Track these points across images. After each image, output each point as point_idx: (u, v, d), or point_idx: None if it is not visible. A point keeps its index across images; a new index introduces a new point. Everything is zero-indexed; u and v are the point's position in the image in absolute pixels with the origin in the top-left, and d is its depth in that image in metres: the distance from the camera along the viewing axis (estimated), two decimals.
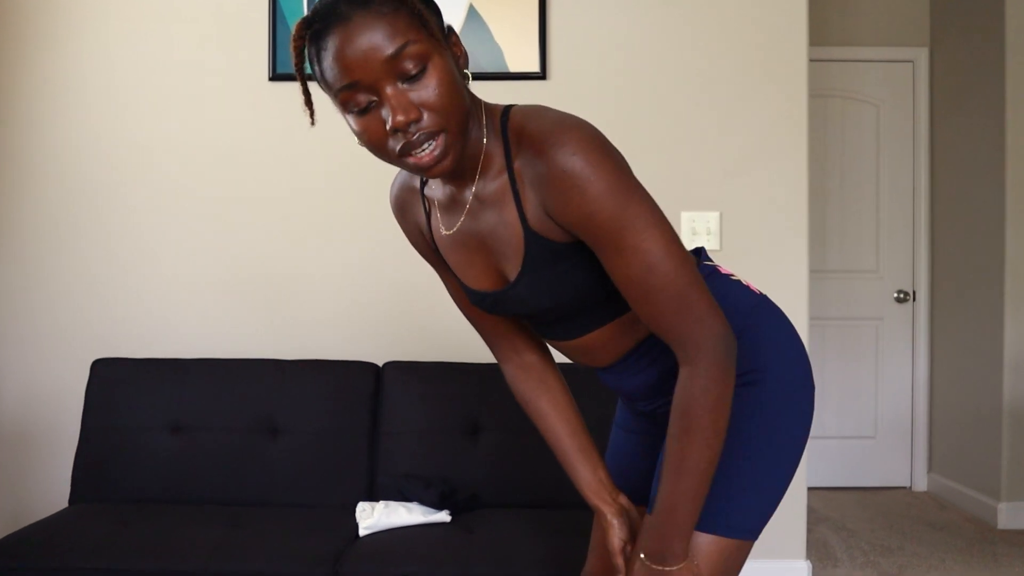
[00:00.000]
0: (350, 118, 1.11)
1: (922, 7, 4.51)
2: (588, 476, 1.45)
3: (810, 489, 4.40)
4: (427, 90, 1.07)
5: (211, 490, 2.59)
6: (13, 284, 3.02)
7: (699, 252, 1.42)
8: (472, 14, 2.98)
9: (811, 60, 4.32)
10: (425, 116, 1.07)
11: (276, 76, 2.99)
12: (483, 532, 2.28)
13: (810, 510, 4.00)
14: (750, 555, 2.98)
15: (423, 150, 1.09)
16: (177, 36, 3.02)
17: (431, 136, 1.08)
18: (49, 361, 3.01)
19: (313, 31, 1.08)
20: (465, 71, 1.15)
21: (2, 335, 3.02)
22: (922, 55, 4.50)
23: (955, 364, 4.25)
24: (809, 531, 3.64)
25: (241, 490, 2.59)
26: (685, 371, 1.18)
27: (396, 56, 1.04)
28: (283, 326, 3.00)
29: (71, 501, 2.63)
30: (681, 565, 1.22)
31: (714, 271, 1.38)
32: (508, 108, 1.21)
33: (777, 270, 3.00)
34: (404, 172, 1.38)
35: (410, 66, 1.06)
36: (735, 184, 3.00)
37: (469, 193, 1.24)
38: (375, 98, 1.07)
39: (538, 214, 1.17)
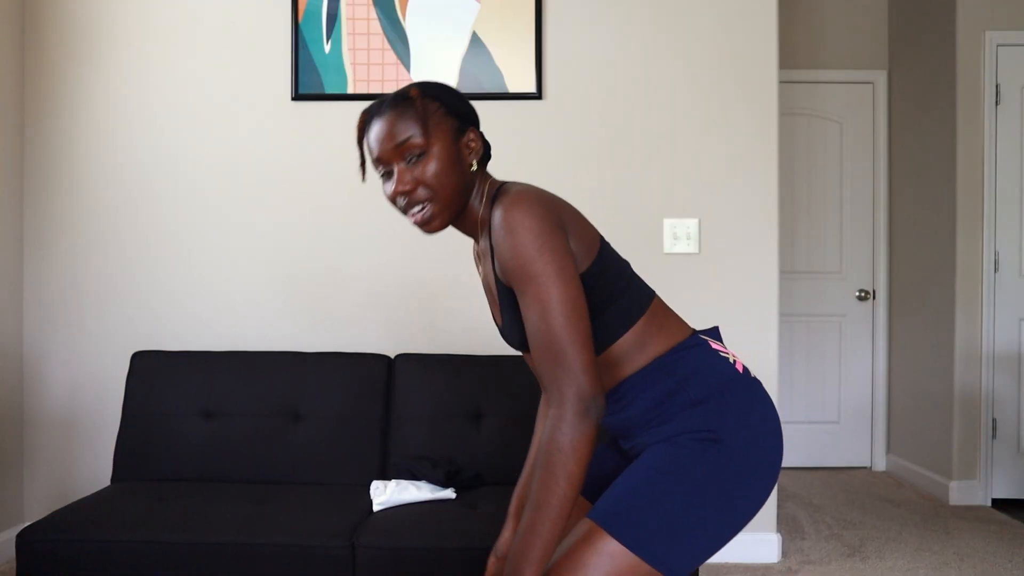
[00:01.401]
0: (382, 181, 1.37)
1: (881, 34, 4.51)
2: (506, 536, 1.57)
3: (780, 468, 4.39)
4: (421, 170, 1.31)
5: (239, 470, 2.59)
6: (62, 284, 3.02)
7: (713, 331, 1.43)
8: (475, 40, 2.97)
9: (781, 82, 4.33)
10: (419, 189, 1.32)
11: (298, 96, 2.99)
12: (485, 508, 2.27)
13: (780, 488, 4.00)
14: None
15: (415, 212, 1.34)
16: (208, 58, 3.02)
17: (421, 203, 1.33)
18: (93, 354, 3.01)
19: (367, 118, 1.37)
20: (472, 161, 1.35)
21: (51, 330, 3.02)
22: (881, 77, 4.50)
23: (911, 356, 4.24)
24: (779, 507, 3.64)
25: (266, 470, 2.59)
26: (552, 414, 1.21)
27: (401, 145, 1.31)
28: (305, 322, 3.00)
29: (113, 480, 2.63)
30: None
31: (703, 344, 1.38)
32: (503, 184, 1.38)
33: (750, 271, 3.00)
34: None
35: (411, 152, 1.31)
36: (712, 193, 3.00)
37: (479, 249, 1.42)
38: (391, 170, 1.34)
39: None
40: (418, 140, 1.31)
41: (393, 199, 1.34)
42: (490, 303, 1.47)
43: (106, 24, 3.02)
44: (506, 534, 1.56)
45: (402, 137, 1.31)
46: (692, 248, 2.99)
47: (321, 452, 2.60)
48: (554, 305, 1.21)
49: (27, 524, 2.69)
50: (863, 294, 4.50)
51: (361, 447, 2.60)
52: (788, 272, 4.47)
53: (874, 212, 4.52)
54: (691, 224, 2.99)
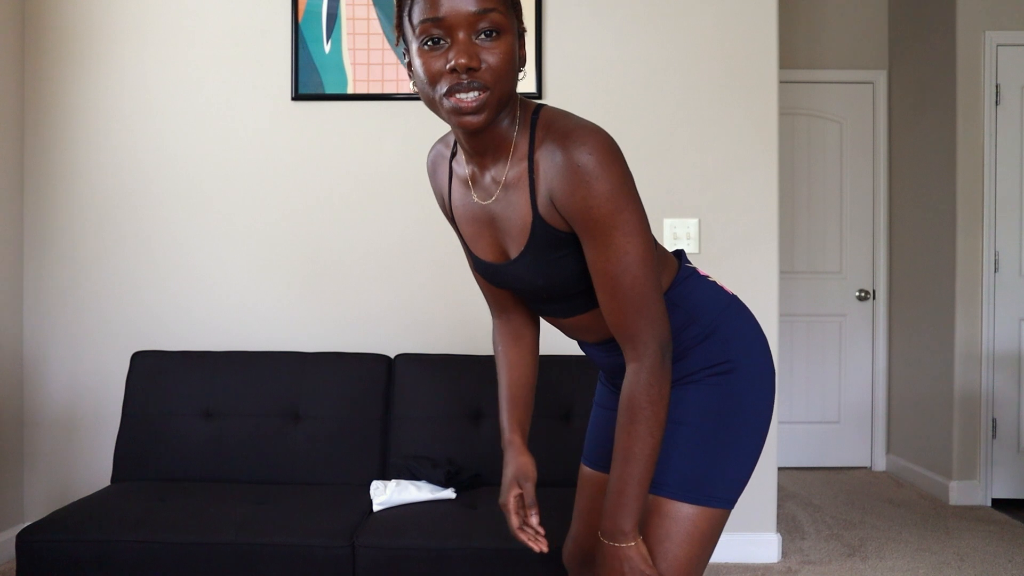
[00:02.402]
0: (416, 54, 1.14)
1: (881, 34, 4.51)
2: (506, 428, 1.46)
3: (780, 469, 4.40)
4: (492, 52, 1.11)
5: (239, 470, 2.59)
6: (61, 284, 3.02)
7: (680, 254, 1.43)
8: None
9: (781, 82, 4.33)
10: (483, 69, 1.11)
11: (298, 96, 2.99)
12: (484, 507, 2.27)
13: (780, 488, 4.00)
14: (726, 528, 2.99)
15: (468, 96, 1.11)
16: (208, 58, 3.02)
17: (479, 89, 1.11)
18: (93, 353, 3.01)
19: None
20: (522, 69, 1.18)
21: (52, 329, 3.02)
22: (881, 77, 4.49)
23: (911, 356, 4.24)
24: (779, 507, 3.64)
25: (266, 470, 2.59)
26: (632, 367, 1.21)
27: (480, 14, 1.09)
28: (305, 322, 3.00)
29: (113, 480, 2.63)
30: (632, 544, 1.22)
31: (694, 272, 1.39)
32: (540, 106, 1.23)
33: (750, 271, 3.00)
34: (442, 141, 1.39)
35: (487, 27, 1.10)
36: (713, 193, 3.00)
37: (489, 174, 1.25)
38: (448, 40, 1.11)
39: (546, 202, 1.18)
40: (500, 18, 1.11)
41: (437, 74, 1.12)
42: (472, 236, 1.33)
43: (106, 24, 3.02)
44: (520, 459, 1.42)
45: (485, 6, 1.09)
46: (692, 248, 2.99)
47: (321, 452, 2.60)
48: (641, 255, 1.16)
49: (27, 524, 2.69)
50: (863, 294, 4.50)
51: (361, 447, 2.60)
52: (788, 272, 4.47)
53: (874, 212, 4.52)
54: (691, 224, 2.99)
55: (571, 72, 3.00)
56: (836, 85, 4.50)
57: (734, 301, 1.38)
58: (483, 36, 1.11)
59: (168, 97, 3.02)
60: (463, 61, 1.09)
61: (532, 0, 2.96)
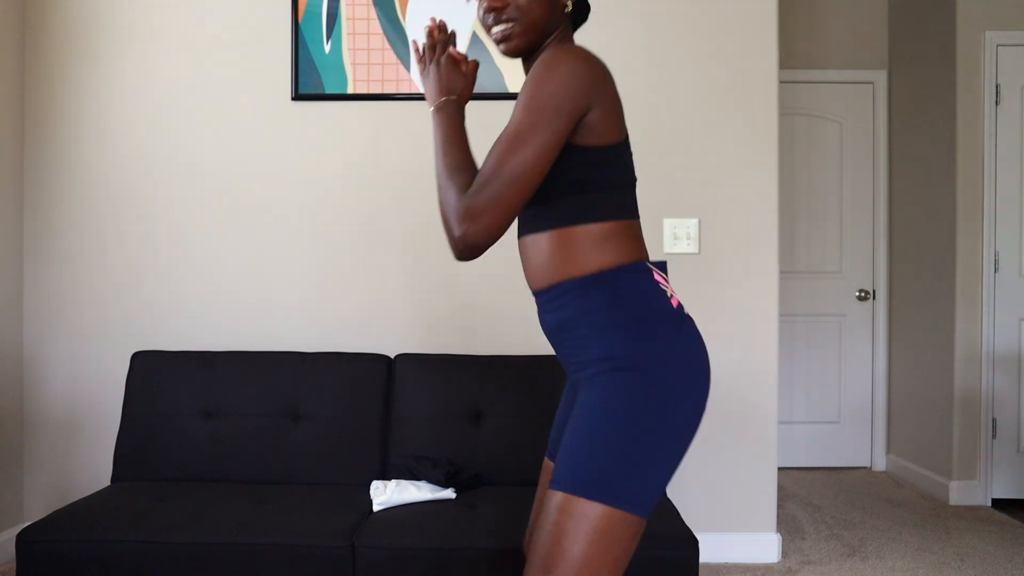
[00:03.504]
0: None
1: (881, 34, 4.51)
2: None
3: (780, 469, 4.40)
4: None
5: (239, 470, 2.59)
6: (61, 284, 3.02)
7: (661, 264, 1.43)
8: (475, 40, 2.97)
9: (780, 82, 4.33)
10: (509, 8, 1.38)
11: (298, 96, 2.99)
12: (485, 508, 2.28)
13: (780, 488, 4.00)
14: (726, 528, 3.00)
15: (497, 28, 1.40)
16: (208, 58, 3.02)
17: (504, 22, 1.39)
18: (93, 353, 3.01)
19: None
20: (567, 4, 1.41)
21: (52, 329, 3.02)
22: (881, 77, 4.50)
23: (911, 356, 4.24)
24: (779, 507, 3.64)
25: (266, 470, 2.59)
26: (465, 202, 1.26)
27: None
28: (305, 322, 3.00)
29: (113, 480, 2.63)
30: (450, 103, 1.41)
31: (647, 272, 1.38)
32: (573, 43, 1.43)
33: (750, 271, 3.00)
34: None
35: None
36: (713, 193, 3.00)
37: None
38: None
39: None
40: None
41: (483, 13, 1.41)
42: None
43: (106, 24, 3.02)
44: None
45: None
46: (692, 248, 2.99)
47: (321, 452, 2.60)
48: (530, 144, 1.25)
49: (27, 524, 2.69)
50: (863, 294, 4.50)
51: (361, 447, 2.60)
52: (788, 272, 4.47)
53: (874, 212, 4.52)
54: (691, 224, 2.99)
55: None
56: (836, 85, 4.50)
57: (671, 312, 1.36)
58: None
59: (168, 97, 3.02)
60: (487, 4, 1.39)
61: None
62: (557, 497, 1.29)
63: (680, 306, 1.39)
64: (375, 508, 2.30)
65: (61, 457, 3.02)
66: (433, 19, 1.50)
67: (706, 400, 1.37)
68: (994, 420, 3.77)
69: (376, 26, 2.98)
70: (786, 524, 3.43)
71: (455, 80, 1.45)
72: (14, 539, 2.60)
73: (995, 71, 3.75)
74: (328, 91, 2.98)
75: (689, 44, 3.00)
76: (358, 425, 2.62)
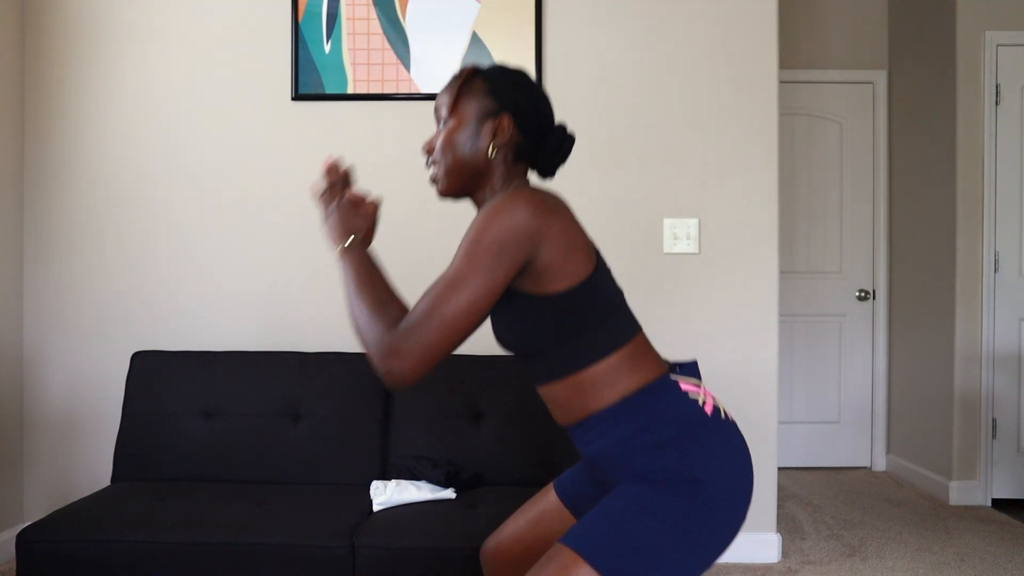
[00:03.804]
0: None
1: (881, 34, 4.51)
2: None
3: (780, 469, 4.40)
4: (437, 137, 1.46)
5: (239, 470, 2.59)
6: (61, 283, 3.02)
7: (690, 367, 1.42)
8: (475, 40, 2.97)
9: (781, 82, 4.33)
10: (434, 151, 1.46)
11: (298, 96, 2.99)
12: (485, 508, 2.27)
13: (780, 488, 4.00)
14: None
15: (430, 171, 1.48)
16: (208, 58, 3.02)
17: (431, 164, 1.47)
18: (93, 353, 3.01)
19: None
20: (489, 145, 1.41)
21: (52, 329, 3.02)
22: (881, 77, 4.50)
23: (911, 356, 4.24)
24: (779, 507, 3.64)
25: (266, 470, 2.59)
26: (391, 336, 1.26)
27: (436, 110, 1.48)
28: (305, 322, 3.00)
29: (113, 480, 2.63)
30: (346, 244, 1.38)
31: (672, 385, 1.37)
32: (522, 184, 1.45)
33: (750, 271, 3.00)
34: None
35: (440, 118, 1.47)
36: (712, 193, 3.00)
37: None
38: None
39: None
40: (443, 111, 1.45)
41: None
42: None
43: (106, 24, 3.02)
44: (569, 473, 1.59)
45: (437, 104, 1.47)
46: (692, 248, 2.99)
47: (321, 452, 2.60)
48: (465, 290, 1.24)
49: (27, 524, 2.69)
50: (863, 294, 4.50)
51: (361, 447, 2.60)
52: (788, 272, 4.47)
53: (874, 212, 4.52)
54: (691, 224, 2.99)
55: (571, 73, 3.00)
56: (836, 85, 4.50)
57: (708, 422, 1.35)
58: (440, 126, 1.46)
59: (168, 97, 3.02)
60: (423, 144, 1.49)
61: (532, 1, 2.96)
62: (565, 553, 1.27)
63: (716, 410, 1.37)
64: (375, 508, 2.30)
65: (61, 457, 3.02)
66: (329, 158, 1.46)
67: (746, 511, 1.35)
68: (994, 420, 3.77)
69: (376, 26, 2.98)
70: (786, 524, 3.43)
71: (355, 222, 1.41)
72: (14, 539, 2.60)
73: (995, 71, 3.75)
74: (328, 91, 2.98)
75: (689, 44, 3.00)
76: (358, 425, 2.62)
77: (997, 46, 3.75)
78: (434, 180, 1.46)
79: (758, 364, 2.98)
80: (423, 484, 2.39)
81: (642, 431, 1.32)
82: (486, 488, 2.47)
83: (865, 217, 4.52)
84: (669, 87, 3.00)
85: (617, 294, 1.41)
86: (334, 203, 1.43)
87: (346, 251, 1.38)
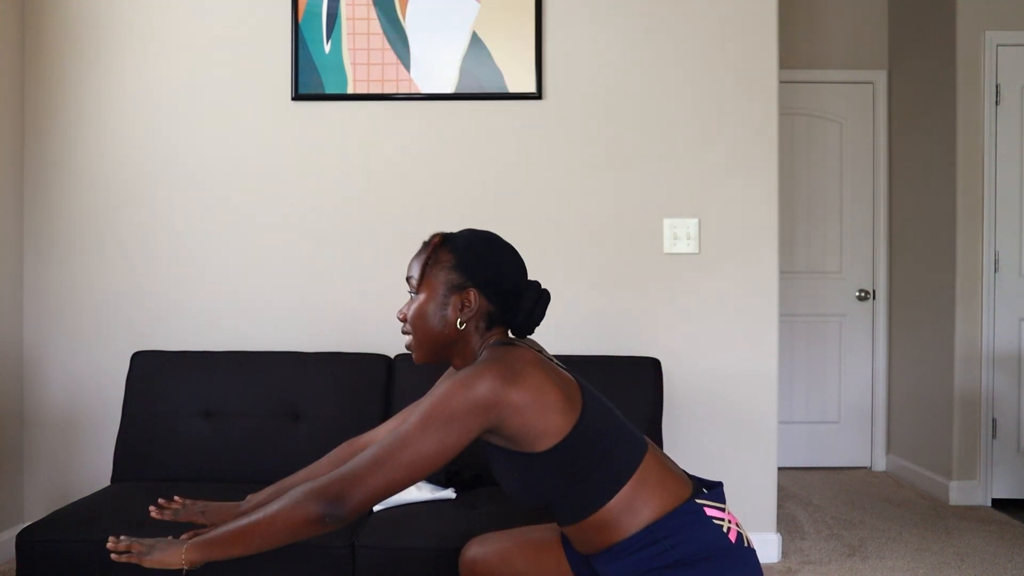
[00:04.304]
0: None
1: (881, 34, 4.51)
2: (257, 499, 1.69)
3: (780, 469, 4.40)
4: (409, 308, 1.48)
5: (239, 470, 2.59)
6: (61, 284, 3.02)
7: (716, 492, 1.44)
8: (475, 40, 2.97)
9: (781, 82, 4.33)
10: (406, 322, 1.48)
11: (298, 96, 2.99)
12: (485, 507, 2.27)
13: (780, 488, 4.00)
14: None
15: (405, 339, 1.51)
16: (208, 58, 3.02)
17: (408, 334, 1.49)
18: (93, 353, 3.01)
19: None
20: (458, 318, 1.43)
21: (51, 330, 3.02)
22: (881, 77, 4.50)
23: (911, 356, 4.24)
24: (779, 507, 3.64)
25: (266, 470, 2.59)
26: (319, 484, 1.30)
27: (408, 279, 1.50)
28: (304, 322, 3.00)
29: (113, 479, 2.63)
30: (185, 555, 1.31)
31: (698, 511, 1.39)
32: (498, 346, 1.43)
33: (750, 271, 3.00)
34: None
35: (411, 288, 1.49)
36: (712, 193, 3.00)
37: None
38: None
39: None
40: (414, 282, 1.48)
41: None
42: None
43: (106, 24, 3.02)
44: (259, 497, 1.67)
45: (409, 273, 1.49)
46: (692, 248, 2.99)
47: (321, 452, 2.59)
48: (412, 448, 1.28)
49: (27, 524, 2.69)
50: (863, 294, 4.50)
51: None
52: (788, 272, 4.47)
53: (874, 212, 4.52)
54: (691, 224, 2.99)
55: (570, 72, 3.00)
56: (836, 85, 4.50)
57: (731, 549, 1.37)
58: (411, 296, 1.49)
59: (168, 97, 3.02)
60: (398, 314, 1.51)
61: (532, 1, 2.96)
62: None
63: (740, 537, 1.39)
64: (375, 508, 2.30)
65: (61, 457, 3.02)
66: (112, 541, 1.35)
67: None
68: (994, 420, 3.77)
69: (376, 26, 2.98)
70: (786, 524, 3.43)
71: (168, 551, 1.33)
72: (14, 539, 2.60)
73: (995, 71, 3.75)
74: (328, 91, 2.98)
75: (689, 44, 3.00)
76: (358, 425, 2.62)
77: (997, 46, 3.75)
78: (409, 348, 1.48)
79: (758, 364, 2.98)
80: (423, 484, 2.39)
81: (666, 554, 1.35)
82: (486, 488, 2.47)
83: (865, 217, 4.52)
84: (669, 87, 3.00)
85: (614, 426, 1.41)
86: (143, 555, 1.33)
87: (195, 555, 1.31)
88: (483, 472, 2.52)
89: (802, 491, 4.00)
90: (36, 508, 3.01)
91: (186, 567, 1.32)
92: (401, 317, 1.49)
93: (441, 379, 1.57)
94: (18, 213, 3.00)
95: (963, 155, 3.77)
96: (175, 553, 1.31)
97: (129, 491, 2.43)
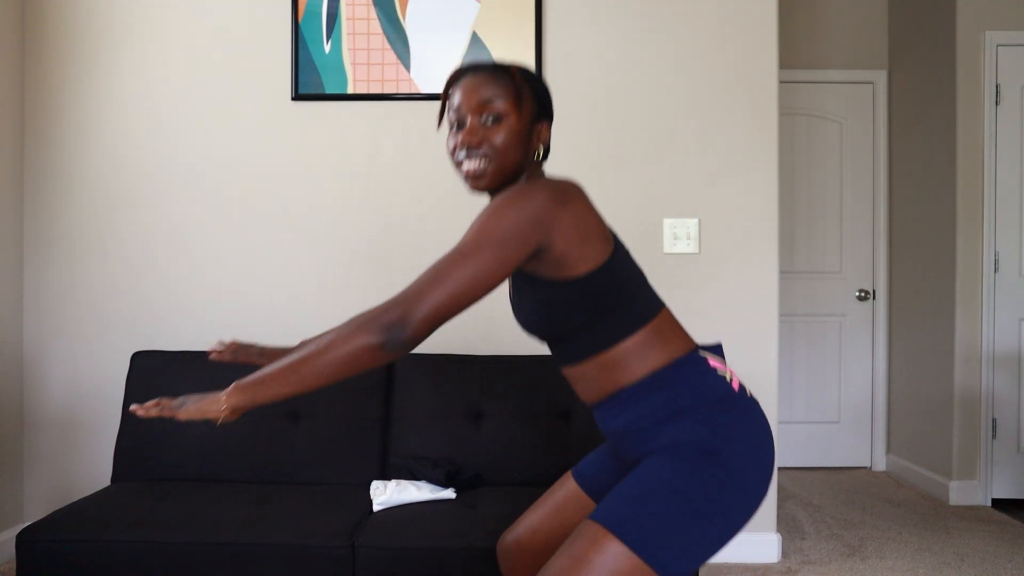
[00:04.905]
0: (449, 133, 1.46)
1: (881, 34, 4.51)
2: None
3: (780, 469, 4.40)
4: (493, 133, 1.41)
5: (239, 470, 2.59)
6: (61, 284, 3.02)
7: (716, 348, 1.45)
8: (475, 40, 2.97)
9: (781, 82, 4.33)
10: (484, 146, 1.40)
11: (298, 96, 2.99)
12: (485, 508, 2.27)
13: (780, 488, 4.00)
14: None
15: (471, 164, 1.41)
16: (208, 58, 3.02)
17: (479, 157, 1.41)
18: (93, 353, 3.01)
19: (463, 70, 1.46)
20: (537, 148, 1.45)
21: (51, 330, 3.02)
22: (881, 77, 4.50)
23: (911, 356, 4.24)
24: (779, 507, 3.64)
25: (266, 470, 2.59)
26: (371, 312, 1.25)
27: (485, 103, 1.41)
28: (304, 322, 2.99)
29: (113, 480, 2.63)
30: (223, 407, 1.25)
31: (701, 361, 1.40)
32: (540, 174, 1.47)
33: (750, 271, 3.00)
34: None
35: (490, 113, 1.41)
36: (713, 193, 3.00)
37: None
38: (464, 121, 1.43)
39: None
40: (501, 106, 1.41)
41: (455, 149, 1.43)
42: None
43: (106, 24, 3.02)
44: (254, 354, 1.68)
45: (488, 96, 1.41)
46: (692, 248, 2.99)
47: (321, 452, 2.60)
48: (472, 263, 1.25)
49: (27, 524, 2.69)
50: (863, 294, 4.50)
51: (361, 447, 2.60)
52: (788, 272, 4.47)
53: (874, 212, 4.52)
54: (691, 224, 2.99)
55: (571, 73, 3.00)
56: (836, 85, 4.50)
57: (735, 397, 1.38)
58: (489, 120, 1.40)
59: (168, 97, 3.02)
60: (463, 139, 1.41)
61: (532, 1, 2.96)
62: (592, 528, 1.29)
63: (742, 388, 1.40)
64: (375, 508, 2.30)
65: (61, 457, 3.02)
66: (136, 407, 1.30)
67: (768, 486, 1.38)
68: (994, 420, 3.77)
69: (376, 26, 2.98)
70: (786, 524, 3.43)
71: (208, 403, 1.27)
72: (14, 539, 2.60)
73: (995, 71, 3.75)
74: (328, 91, 2.98)
75: (689, 44, 3.00)
76: (358, 425, 2.62)
77: (997, 46, 3.75)
78: (478, 175, 1.41)
79: (758, 364, 2.98)
80: (423, 484, 2.39)
81: (671, 402, 1.35)
82: (486, 488, 2.47)
83: (865, 217, 4.52)
84: (669, 87, 3.00)
85: (638, 274, 1.44)
86: (177, 408, 1.27)
87: (238, 398, 1.24)
88: (483, 472, 2.52)
89: (802, 491, 4.00)
90: (36, 508, 3.01)
91: (225, 414, 1.24)
92: (475, 141, 1.40)
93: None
94: (18, 213, 3.00)
95: (963, 155, 3.77)
96: (213, 401, 1.25)
97: (129, 491, 2.43)
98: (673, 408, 1.35)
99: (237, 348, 1.66)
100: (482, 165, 1.40)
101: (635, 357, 1.37)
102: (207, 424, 2.56)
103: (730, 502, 1.32)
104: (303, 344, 1.60)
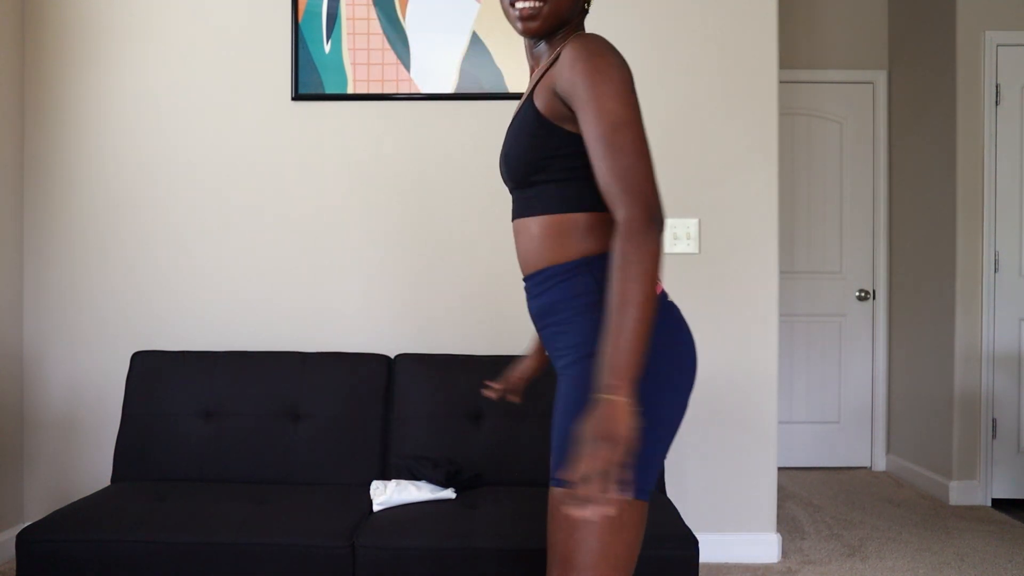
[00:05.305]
0: None
1: (881, 34, 4.51)
2: (526, 362, 1.80)
3: (780, 469, 4.40)
4: None
5: (239, 470, 2.59)
6: (61, 284, 3.02)
7: None
8: (475, 40, 2.97)
9: (781, 82, 4.33)
10: None
11: (298, 96, 2.99)
12: (485, 508, 2.27)
13: (780, 488, 4.00)
14: (726, 528, 3.00)
15: (526, 4, 1.42)
16: (208, 58, 3.02)
17: (536, 2, 1.41)
18: (93, 353, 3.01)
19: None
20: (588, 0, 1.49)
21: (51, 330, 3.02)
22: (881, 77, 4.50)
23: (911, 356, 4.24)
24: (779, 507, 3.64)
25: (266, 470, 2.59)
26: (620, 225, 1.24)
27: None
28: (305, 321, 3.00)
29: (113, 480, 2.63)
30: (624, 399, 1.19)
31: None
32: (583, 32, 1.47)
33: (750, 271, 3.00)
34: None
35: None
36: (712, 193, 3.00)
37: (535, 74, 1.50)
38: None
39: (547, 92, 1.38)
40: None
41: None
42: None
43: (106, 24, 3.02)
44: (525, 362, 1.78)
45: None
46: (692, 248, 2.99)
47: (321, 452, 2.60)
48: (623, 119, 1.26)
49: (27, 524, 2.69)
50: (863, 294, 4.50)
51: (361, 447, 2.60)
52: (788, 272, 4.47)
53: (874, 212, 4.52)
54: (691, 224, 2.99)
55: None
56: (836, 85, 4.50)
57: (656, 297, 1.37)
58: None
59: (168, 97, 3.02)
60: None
61: None
62: (557, 493, 1.31)
63: (664, 293, 1.41)
64: (375, 508, 2.30)
65: (61, 457, 3.02)
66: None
67: (692, 382, 1.39)
68: (994, 420, 3.77)
69: (376, 26, 2.98)
70: (786, 524, 3.42)
71: (615, 424, 1.22)
72: (14, 539, 2.60)
73: (995, 71, 3.75)
74: (328, 91, 2.98)
75: (689, 44, 3.00)
76: (358, 425, 2.62)
77: (997, 46, 3.75)
78: (532, 16, 1.42)
79: (758, 364, 2.98)
80: (423, 484, 2.39)
81: (590, 290, 1.36)
82: (486, 488, 2.47)
83: (865, 217, 4.52)
84: (669, 87, 3.00)
85: None
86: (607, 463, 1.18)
87: (625, 390, 1.20)
88: (483, 472, 2.52)
89: (802, 491, 4.00)
90: (36, 508, 3.01)
91: (631, 408, 1.19)
92: None
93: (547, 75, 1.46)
94: (18, 213, 3.00)
95: (963, 155, 3.77)
96: (613, 410, 1.19)
97: (129, 491, 2.43)
98: (591, 299, 1.35)
99: (508, 385, 1.80)
100: (536, 8, 1.42)
101: (577, 234, 1.38)
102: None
103: (655, 402, 1.31)
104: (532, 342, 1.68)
